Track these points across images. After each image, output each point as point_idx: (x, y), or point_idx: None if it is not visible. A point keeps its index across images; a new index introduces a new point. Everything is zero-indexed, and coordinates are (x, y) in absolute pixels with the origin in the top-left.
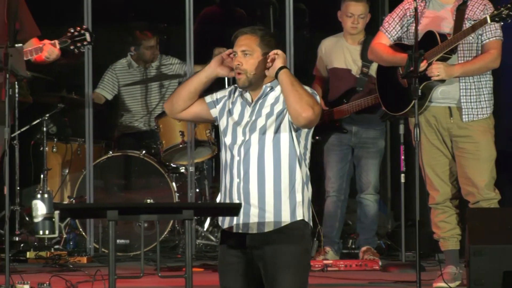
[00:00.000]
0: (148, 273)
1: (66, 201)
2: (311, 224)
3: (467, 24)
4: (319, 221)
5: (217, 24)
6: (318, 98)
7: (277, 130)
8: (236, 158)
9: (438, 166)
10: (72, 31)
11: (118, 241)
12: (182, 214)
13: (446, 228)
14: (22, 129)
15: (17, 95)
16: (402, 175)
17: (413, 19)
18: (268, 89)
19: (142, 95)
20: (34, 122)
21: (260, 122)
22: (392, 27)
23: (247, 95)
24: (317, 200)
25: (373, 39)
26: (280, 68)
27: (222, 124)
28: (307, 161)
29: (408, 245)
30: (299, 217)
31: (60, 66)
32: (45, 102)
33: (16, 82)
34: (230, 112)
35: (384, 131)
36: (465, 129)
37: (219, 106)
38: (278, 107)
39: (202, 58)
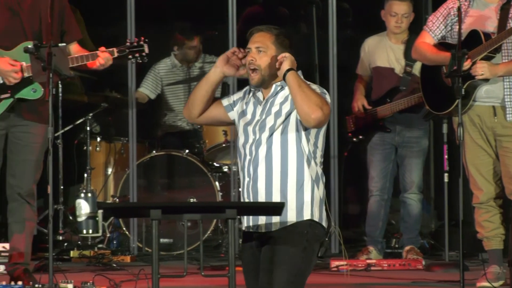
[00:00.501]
0: (191, 272)
1: (109, 200)
2: (324, 223)
3: (511, 24)
4: (363, 220)
5: (260, 24)
6: (327, 97)
7: (284, 129)
8: (248, 158)
9: (482, 165)
10: (131, 41)
11: (161, 240)
12: (225, 213)
13: (489, 228)
14: (66, 128)
15: (60, 94)
16: (446, 174)
17: (457, 18)
18: (279, 88)
19: (185, 94)
20: (78, 121)
21: (269, 121)
22: (436, 26)
23: (259, 94)
24: (361, 199)
25: (417, 38)
26: (288, 70)
27: (238, 125)
28: (318, 159)
29: (451, 245)
30: (306, 216)
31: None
32: (88, 102)
33: (59, 82)
34: (243, 113)
35: (428, 130)
36: (509, 128)
37: (236, 109)
38: (287, 107)
39: None
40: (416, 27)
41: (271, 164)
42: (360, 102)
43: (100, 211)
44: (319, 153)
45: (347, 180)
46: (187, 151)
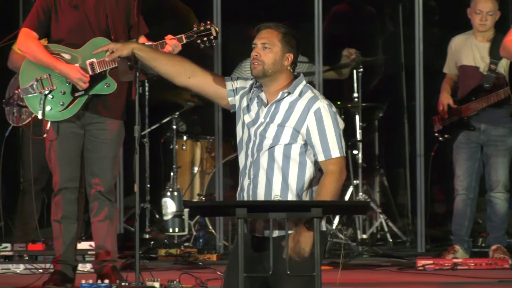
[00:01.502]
0: None
1: (195, 199)
2: (324, 227)
3: None
4: (449, 219)
5: (347, 23)
6: (342, 154)
7: (288, 140)
8: (250, 159)
9: None
10: (198, 26)
11: None
12: (311, 212)
13: None
14: (153, 127)
15: (146, 93)
16: None
17: None
18: (286, 94)
19: None
20: (164, 120)
21: (273, 127)
22: None
23: (263, 95)
24: (448, 198)
25: (505, 36)
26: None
27: (239, 119)
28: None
29: None
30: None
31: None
32: (175, 101)
33: (146, 81)
34: (248, 109)
35: None
36: None
37: (238, 97)
38: (293, 122)
39: (331, 58)
40: (502, 26)
41: (272, 171)
42: (445, 101)
43: (186, 210)
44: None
45: (434, 179)
46: None
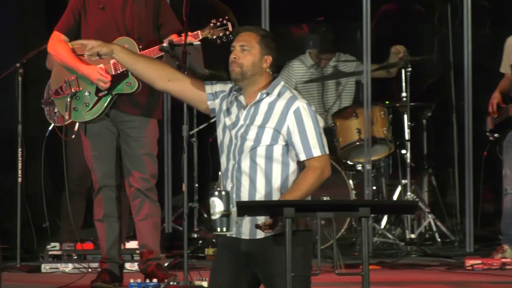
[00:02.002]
0: (325, 271)
1: None
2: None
3: None
4: (498, 219)
5: (395, 22)
6: (325, 151)
7: (269, 141)
8: (232, 162)
9: None
10: (214, 21)
11: None
12: (359, 211)
13: None
14: (201, 127)
15: None
16: None
17: None
18: (265, 95)
19: (318, 92)
20: (213, 120)
21: (253, 129)
22: None
23: (241, 98)
24: (496, 198)
25: None
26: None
27: (220, 122)
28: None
29: None
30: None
31: None
32: None
33: None
34: (228, 112)
35: None
36: None
37: (218, 101)
38: (273, 122)
39: (379, 57)
40: None
41: (255, 173)
42: (494, 100)
43: (233, 209)
44: (303, 165)
45: (486, 179)
46: None
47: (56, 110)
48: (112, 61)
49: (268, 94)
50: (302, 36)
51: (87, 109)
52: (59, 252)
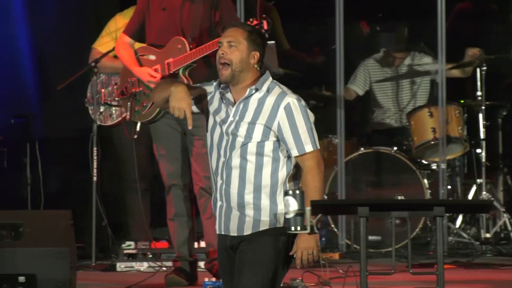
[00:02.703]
0: (400, 270)
1: None
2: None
3: None
4: None
5: (470, 21)
6: (316, 147)
7: (260, 137)
8: (222, 159)
9: None
10: (251, 20)
11: (369, 237)
12: (433, 211)
13: None
14: None
15: None
16: None
17: None
18: (254, 91)
19: (393, 91)
20: None
21: (244, 125)
22: None
23: (229, 95)
24: None
25: None
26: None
27: (210, 121)
28: (293, 164)
29: None
30: (279, 224)
31: (311, 63)
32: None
33: None
34: (216, 111)
35: None
36: None
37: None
38: (265, 116)
39: (454, 56)
40: None
41: (245, 169)
42: None
43: (308, 208)
44: (294, 160)
45: None
46: (395, 148)
47: (101, 110)
48: (165, 61)
49: (257, 90)
50: (376, 35)
51: (145, 109)
52: (134, 251)
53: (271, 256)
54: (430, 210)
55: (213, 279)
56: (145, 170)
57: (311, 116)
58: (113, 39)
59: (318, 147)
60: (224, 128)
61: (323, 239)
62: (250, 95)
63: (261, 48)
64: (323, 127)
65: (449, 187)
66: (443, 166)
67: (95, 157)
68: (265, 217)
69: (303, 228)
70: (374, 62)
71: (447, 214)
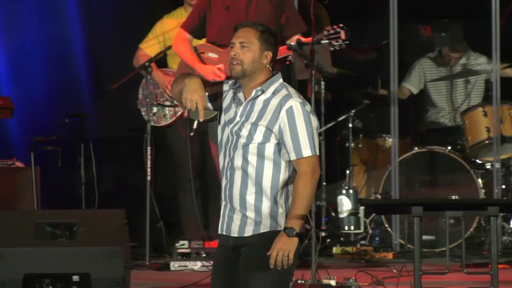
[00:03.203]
0: (454, 270)
1: (371, 197)
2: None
3: None
4: None
5: None
6: (314, 152)
7: (261, 139)
8: (227, 159)
9: None
10: (328, 29)
11: (423, 237)
12: (487, 210)
13: None
14: (328, 125)
15: (322, 91)
16: None
17: None
18: (259, 92)
19: (447, 91)
20: (340, 118)
21: (247, 126)
22: None
23: (240, 95)
24: None
25: None
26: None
27: (221, 120)
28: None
29: None
30: (280, 227)
31: (365, 63)
32: (351, 98)
33: (321, 78)
34: (227, 110)
35: None
36: None
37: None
38: (267, 118)
39: (508, 56)
40: None
41: (247, 171)
42: None
43: (361, 208)
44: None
45: None
46: (449, 147)
47: (154, 111)
48: (224, 73)
49: (263, 91)
50: (431, 35)
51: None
52: (187, 250)
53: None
54: (484, 210)
55: None
56: (198, 169)
57: (314, 121)
58: (159, 42)
59: (317, 153)
60: (230, 127)
61: (377, 238)
62: (256, 96)
63: (273, 48)
64: (377, 126)
65: (503, 186)
66: (497, 165)
67: (149, 157)
68: (265, 219)
69: (357, 227)
70: (429, 61)
71: (501, 214)
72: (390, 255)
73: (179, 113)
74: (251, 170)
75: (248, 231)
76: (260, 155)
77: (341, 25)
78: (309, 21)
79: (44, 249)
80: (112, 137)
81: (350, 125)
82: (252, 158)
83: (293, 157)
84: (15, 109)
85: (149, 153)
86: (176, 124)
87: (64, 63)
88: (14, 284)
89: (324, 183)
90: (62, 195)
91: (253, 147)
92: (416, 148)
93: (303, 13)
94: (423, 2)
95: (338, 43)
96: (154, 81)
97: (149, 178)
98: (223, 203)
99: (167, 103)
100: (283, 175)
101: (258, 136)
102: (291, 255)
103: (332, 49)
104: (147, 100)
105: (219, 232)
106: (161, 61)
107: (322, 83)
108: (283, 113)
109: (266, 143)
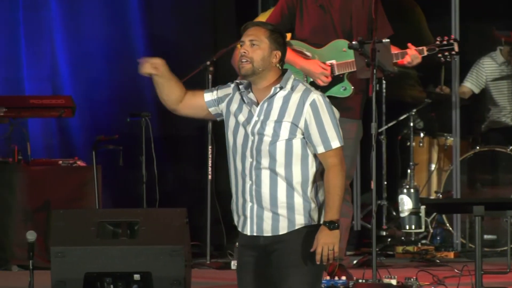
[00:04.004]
0: None
1: (433, 196)
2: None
3: None
4: None
5: None
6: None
7: (288, 135)
8: (249, 160)
9: None
10: (440, 39)
11: (485, 236)
12: None
13: None
14: (390, 124)
15: (384, 90)
16: None
17: None
18: (278, 89)
19: (509, 90)
20: (402, 117)
21: (270, 124)
22: None
23: (251, 96)
24: None
25: None
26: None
27: (229, 125)
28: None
29: None
30: (313, 221)
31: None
32: (412, 97)
33: (383, 77)
34: (238, 112)
35: None
36: None
37: (223, 105)
38: (291, 113)
39: None
40: None
41: (275, 168)
42: None
43: (423, 207)
44: None
45: None
46: (511, 147)
47: None
48: (327, 62)
49: (281, 88)
50: (492, 34)
51: None
52: None
53: (310, 255)
54: None
55: (327, 278)
56: None
57: (336, 113)
58: None
59: (343, 144)
60: (249, 128)
61: (438, 238)
62: (274, 94)
63: (282, 48)
64: (438, 125)
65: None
66: None
67: (210, 156)
68: (298, 215)
69: (418, 226)
70: (490, 60)
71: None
72: (451, 255)
73: None
74: (280, 168)
75: (283, 229)
76: (288, 152)
77: (453, 37)
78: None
79: (105, 248)
80: (174, 136)
81: (412, 124)
82: (280, 156)
83: (320, 150)
84: (76, 108)
85: (210, 152)
86: None
87: (126, 62)
88: (76, 283)
89: (385, 182)
90: (123, 194)
91: (280, 144)
92: (477, 148)
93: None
94: (484, 1)
95: (450, 55)
96: None
97: (210, 177)
98: (249, 204)
99: None
100: (311, 169)
101: (284, 133)
102: (336, 248)
103: (443, 60)
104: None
105: (245, 233)
106: None
107: (384, 82)
108: (307, 107)
109: (293, 139)
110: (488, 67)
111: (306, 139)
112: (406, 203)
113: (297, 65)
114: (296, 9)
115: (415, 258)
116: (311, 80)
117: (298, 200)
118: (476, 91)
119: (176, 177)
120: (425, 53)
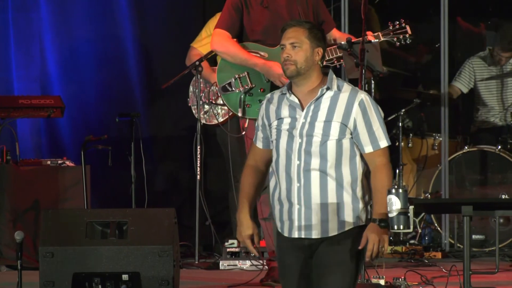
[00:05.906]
0: (503, 269)
1: (421, 196)
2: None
3: None
4: None
5: None
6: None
7: (338, 135)
8: (296, 162)
9: None
10: (393, 24)
11: (473, 236)
12: None
13: None
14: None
15: (372, 90)
16: None
17: None
18: (325, 90)
19: (498, 90)
20: (390, 117)
21: (319, 125)
22: None
23: (293, 98)
24: None
25: None
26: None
27: (272, 130)
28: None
29: None
30: (361, 222)
31: (416, 62)
32: (401, 97)
33: (372, 78)
34: (277, 117)
35: None
36: None
37: (269, 129)
38: (340, 114)
39: None
40: None
41: (326, 169)
42: None
43: (411, 207)
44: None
45: None
46: (499, 147)
47: (206, 109)
48: None
49: (328, 88)
50: (481, 33)
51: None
52: (237, 249)
53: (354, 255)
54: None
55: None
56: None
57: (382, 112)
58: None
59: (390, 143)
60: (296, 131)
61: (426, 238)
62: (322, 95)
63: (323, 43)
64: (427, 125)
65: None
66: None
67: (198, 156)
68: (348, 216)
69: (407, 226)
70: (479, 60)
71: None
72: (439, 255)
73: (231, 112)
74: (330, 168)
75: (333, 230)
76: (338, 152)
77: (403, 20)
78: (360, 21)
79: (94, 248)
80: (163, 136)
81: (400, 124)
82: (331, 156)
83: (369, 149)
84: (65, 108)
85: (198, 152)
86: (227, 123)
87: (115, 62)
88: (64, 283)
89: None
90: (112, 194)
91: (331, 144)
92: (466, 147)
93: (354, 16)
94: (474, 1)
95: (403, 38)
96: (205, 80)
97: (198, 177)
98: (296, 207)
99: (219, 101)
100: (359, 169)
101: (335, 133)
102: (386, 245)
103: (397, 44)
104: (198, 99)
105: (293, 236)
106: (213, 59)
107: (372, 82)
108: (355, 107)
109: (343, 139)
110: (477, 67)
111: (354, 139)
112: (394, 203)
113: (257, 66)
114: (243, 11)
115: (404, 258)
116: (270, 80)
117: (347, 200)
118: (465, 90)
119: (165, 177)
120: (381, 38)
